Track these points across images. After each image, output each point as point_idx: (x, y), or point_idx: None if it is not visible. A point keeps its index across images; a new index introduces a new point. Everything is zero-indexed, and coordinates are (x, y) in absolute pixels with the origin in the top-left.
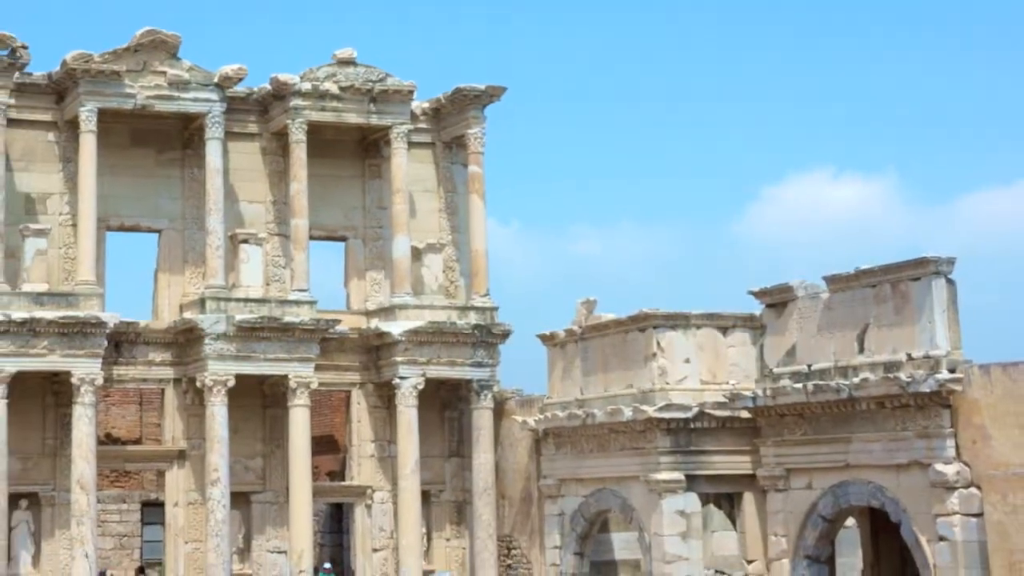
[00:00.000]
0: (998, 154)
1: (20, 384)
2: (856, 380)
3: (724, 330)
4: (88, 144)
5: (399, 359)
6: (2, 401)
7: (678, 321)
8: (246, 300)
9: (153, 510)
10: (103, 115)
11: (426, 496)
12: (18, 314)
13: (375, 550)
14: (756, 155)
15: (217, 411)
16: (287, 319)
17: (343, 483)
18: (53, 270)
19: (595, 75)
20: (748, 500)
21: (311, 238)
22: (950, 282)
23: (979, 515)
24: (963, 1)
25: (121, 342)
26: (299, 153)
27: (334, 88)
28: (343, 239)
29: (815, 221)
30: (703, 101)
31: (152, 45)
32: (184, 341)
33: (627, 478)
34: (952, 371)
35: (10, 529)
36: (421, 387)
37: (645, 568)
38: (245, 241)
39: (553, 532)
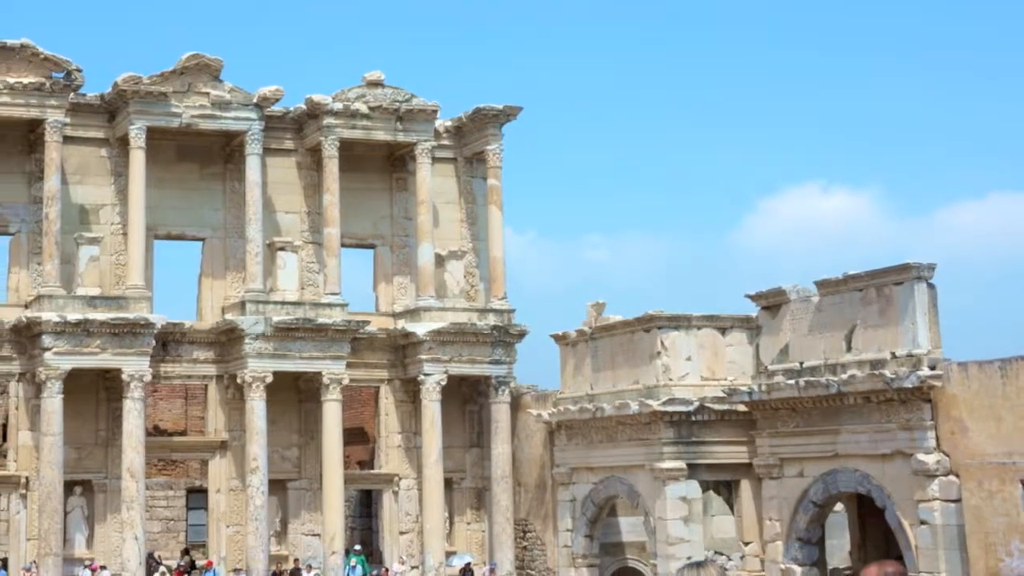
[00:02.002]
0: (973, 170)
1: (75, 380)
2: (844, 376)
3: (723, 330)
4: (137, 159)
5: (424, 357)
6: (58, 396)
7: (680, 322)
8: (283, 303)
9: (197, 496)
10: (151, 132)
11: (448, 483)
12: (73, 316)
13: (401, 533)
14: (752, 170)
15: (256, 405)
16: (320, 320)
17: (372, 471)
18: (105, 275)
19: (605, 96)
20: (745, 487)
21: (342, 246)
22: (931, 286)
23: (957, 501)
24: (942, 32)
25: (168, 341)
26: (331, 167)
27: (364, 108)
28: (372, 247)
29: (806, 230)
30: (704, 121)
31: (196, 68)
32: (226, 340)
33: (633, 467)
34: (932, 368)
35: (66, 513)
36: (444, 383)
37: (650, 549)
38: (282, 249)
39: (565, 516)
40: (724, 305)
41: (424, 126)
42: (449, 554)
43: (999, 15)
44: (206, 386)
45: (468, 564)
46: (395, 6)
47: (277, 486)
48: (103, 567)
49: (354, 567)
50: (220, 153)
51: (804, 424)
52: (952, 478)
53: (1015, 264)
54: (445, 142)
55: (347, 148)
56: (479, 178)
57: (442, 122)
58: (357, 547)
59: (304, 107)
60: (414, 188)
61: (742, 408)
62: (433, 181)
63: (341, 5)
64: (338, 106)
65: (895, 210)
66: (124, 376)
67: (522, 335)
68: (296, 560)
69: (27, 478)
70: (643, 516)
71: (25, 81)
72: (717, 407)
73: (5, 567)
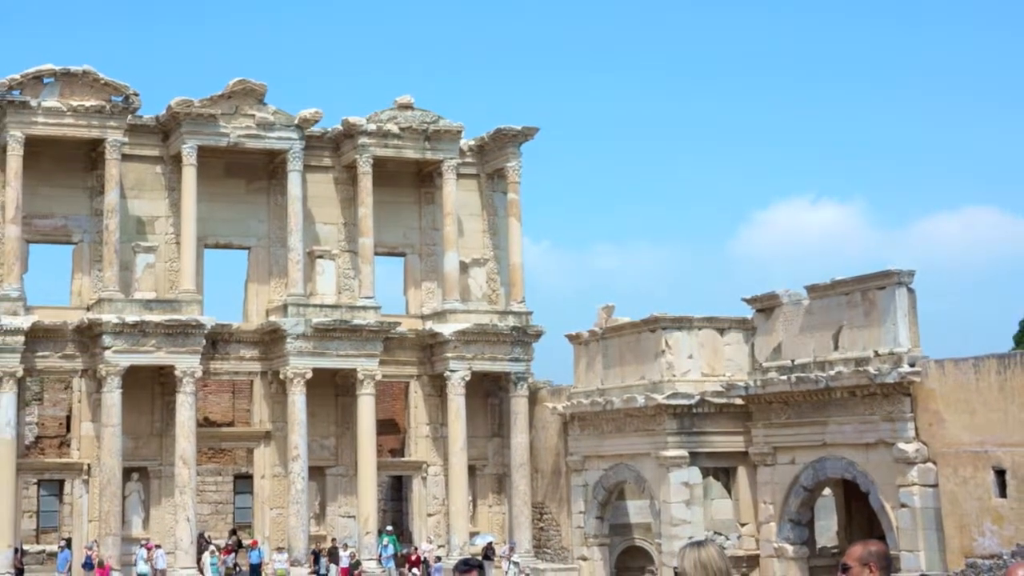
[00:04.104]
0: (949, 185)
1: (132, 376)
2: (832, 372)
3: (721, 331)
4: (189, 175)
5: (449, 355)
6: (117, 391)
7: (683, 323)
8: (321, 306)
9: (244, 481)
10: (201, 151)
11: (472, 470)
12: (131, 318)
13: (429, 515)
14: (748, 185)
15: (297, 399)
16: (356, 322)
17: (403, 459)
18: (160, 281)
19: (614, 118)
20: (741, 473)
21: (376, 254)
22: (910, 291)
23: (934, 486)
24: (922, 59)
25: (217, 341)
26: (366, 183)
27: (395, 129)
28: (402, 255)
29: (797, 240)
30: (704, 140)
31: (243, 92)
32: (270, 340)
33: (640, 455)
34: (912, 365)
35: (124, 497)
36: (468, 379)
37: (655, 530)
38: (320, 256)
39: (578, 500)
40: (722, 308)
41: (450, 145)
42: (472, 534)
43: (975, 43)
44: (252, 381)
45: (490, 543)
46: (424, 36)
47: (316, 472)
48: (158, 546)
49: (386, 546)
50: (264, 169)
51: (795, 416)
52: (930, 465)
53: (987, 271)
54: (469, 160)
55: (380, 165)
56: (500, 192)
57: (466, 141)
58: (389, 528)
59: (341, 128)
60: (440, 201)
61: (739, 401)
62: (458, 195)
63: (375, 35)
64: (372, 127)
65: (878, 221)
66: (177, 372)
67: (539, 335)
68: (334, 539)
69: (89, 465)
70: (649, 500)
71: (87, 104)
72: (716, 400)
73: (69, 546)
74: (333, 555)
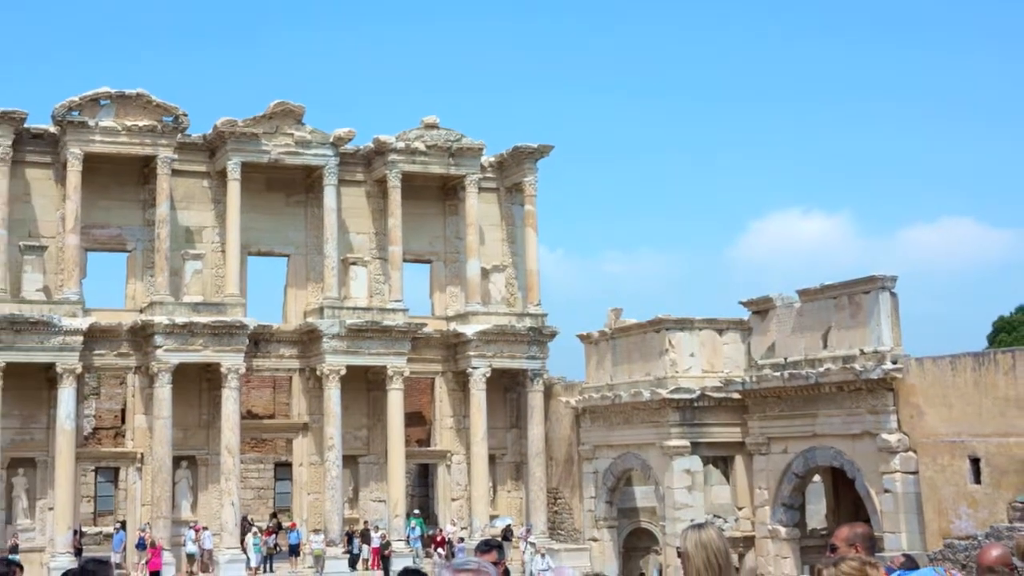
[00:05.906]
0: (929, 198)
1: (181, 373)
2: (821, 369)
3: (720, 331)
4: (233, 189)
5: (471, 353)
6: (168, 386)
7: (685, 324)
8: (354, 308)
9: (283, 469)
10: (245, 167)
11: (492, 458)
12: (180, 319)
13: (453, 499)
14: (744, 197)
15: (332, 393)
16: (386, 323)
17: (428, 448)
18: (207, 285)
19: (622, 136)
20: (739, 461)
21: (404, 261)
22: (893, 294)
23: (915, 473)
24: (905, 81)
25: (259, 340)
26: (395, 196)
27: (422, 146)
28: (428, 261)
29: (790, 248)
30: (704, 156)
31: (282, 113)
32: (307, 339)
33: (646, 444)
34: (895, 363)
35: (174, 484)
36: (488, 375)
37: (660, 513)
38: (354, 263)
39: (589, 486)
40: (721, 310)
41: (472, 161)
42: (492, 517)
43: (953, 64)
44: (291, 377)
45: (508, 525)
46: (449, 61)
47: (350, 461)
48: (205, 528)
49: (413, 528)
50: (302, 184)
51: (788, 409)
52: (911, 454)
53: (964, 276)
54: (489, 175)
55: (408, 180)
56: (517, 204)
57: (487, 158)
58: (416, 511)
59: (372, 146)
60: (463, 213)
61: (736, 396)
62: (479, 207)
63: (404, 60)
64: (400, 145)
65: (864, 231)
66: (222, 369)
67: (553, 335)
68: (366, 522)
69: (142, 454)
70: (654, 485)
71: (140, 124)
72: (715, 395)
73: (124, 528)
74: (365, 536)
